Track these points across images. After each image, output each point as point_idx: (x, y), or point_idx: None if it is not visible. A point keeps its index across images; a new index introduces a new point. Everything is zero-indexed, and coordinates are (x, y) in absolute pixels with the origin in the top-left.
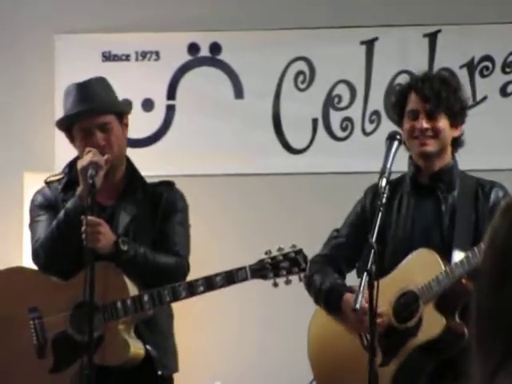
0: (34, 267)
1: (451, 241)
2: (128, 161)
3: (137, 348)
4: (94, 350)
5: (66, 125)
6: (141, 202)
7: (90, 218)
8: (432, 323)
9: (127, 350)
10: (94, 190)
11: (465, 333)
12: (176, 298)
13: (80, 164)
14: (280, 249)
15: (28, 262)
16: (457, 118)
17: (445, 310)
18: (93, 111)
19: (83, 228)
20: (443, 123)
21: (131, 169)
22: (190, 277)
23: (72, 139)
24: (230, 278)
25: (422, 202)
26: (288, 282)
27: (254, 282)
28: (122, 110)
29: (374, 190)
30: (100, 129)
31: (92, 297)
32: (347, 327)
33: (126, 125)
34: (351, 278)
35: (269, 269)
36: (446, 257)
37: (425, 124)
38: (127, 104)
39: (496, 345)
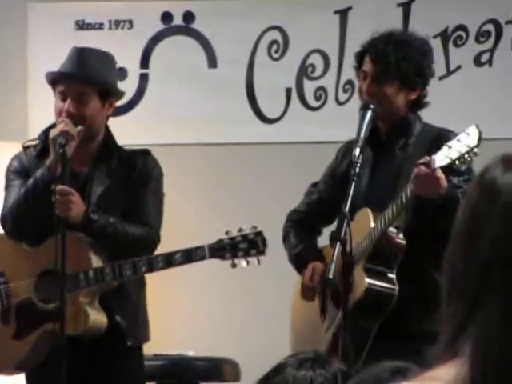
0: (1, 232)
1: (396, 193)
2: (107, 130)
3: (98, 317)
4: (55, 319)
5: (53, 81)
6: (115, 170)
7: (61, 187)
8: (358, 284)
9: (86, 319)
10: (65, 160)
11: (393, 289)
12: (135, 272)
13: (52, 133)
14: (240, 229)
15: None
16: (410, 82)
17: (375, 269)
18: (76, 76)
19: (54, 197)
20: (391, 89)
21: (108, 138)
22: (162, 245)
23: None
24: (189, 256)
25: (378, 159)
26: (247, 263)
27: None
28: (106, 89)
29: (345, 148)
30: (76, 97)
31: (64, 265)
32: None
33: (111, 106)
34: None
35: (227, 249)
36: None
37: (369, 87)
38: (119, 90)
39: (459, 305)
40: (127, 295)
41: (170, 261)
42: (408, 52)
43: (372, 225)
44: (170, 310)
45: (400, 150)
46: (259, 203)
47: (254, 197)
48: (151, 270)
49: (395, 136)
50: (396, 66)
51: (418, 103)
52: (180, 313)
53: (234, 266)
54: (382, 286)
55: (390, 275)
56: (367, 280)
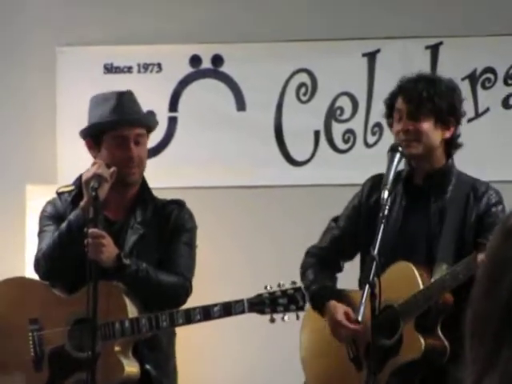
0: (37, 278)
1: (435, 249)
2: (143, 178)
3: (131, 368)
4: (88, 368)
5: (100, 130)
6: (149, 221)
7: (93, 229)
8: (412, 345)
9: (121, 371)
10: (97, 203)
11: (446, 347)
12: (172, 324)
13: (84, 176)
14: (280, 285)
15: (31, 276)
16: (444, 118)
17: (425, 328)
18: (133, 121)
19: (86, 240)
20: (427, 125)
21: (144, 186)
22: (193, 294)
23: (94, 147)
24: (228, 309)
25: (413, 204)
26: (284, 319)
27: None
28: (154, 126)
29: (371, 183)
30: (135, 140)
31: (95, 312)
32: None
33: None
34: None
35: (266, 304)
36: (429, 266)
37: (405, 125)
38: (157, 122)
39: (482, 347)
40: (158, 343)
41: (208, 314)
42: (439, 88)
43: (421, 285)
44: (197, 362)
45: (436, 200)
46: (289, 246)
47: (283, 240)
48: (189, 322)
49: (433, 183)
50: (429, 102)
51: (452, 143)
52: (207, 365)
53: (272, 320)
54: (435, 345)
55: (438, 332)
56: (423, 343)
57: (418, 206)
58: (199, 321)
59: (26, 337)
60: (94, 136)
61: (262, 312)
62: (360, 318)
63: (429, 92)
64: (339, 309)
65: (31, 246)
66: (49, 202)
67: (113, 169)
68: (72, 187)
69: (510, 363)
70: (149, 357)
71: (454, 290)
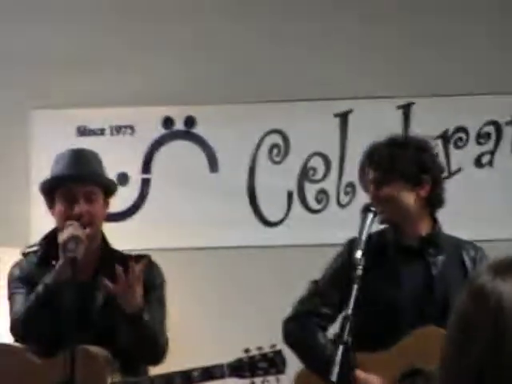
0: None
1: (446, 310)
2: (102, 235)
3: None
4: None
5: (51, 187)
6: (115, 278)
7: (134, 268)
8: None
9: None
10: (76, 264)
11: None
12: None
13: (61, 237)
14: (259, 348)
15: (2, 338)
16: (414, 179)
17: None
18: (83, 177)
19: (122, 278)
20: (393, 189)
21: (105, 243)
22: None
23: (51, 204)
24: (207, 374)
25: (408, 266)
26: (264, 382)
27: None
28: (109, 186)
29: (353, 245)
30: (85, 197)
31: (73, 378)
32: None
33: (108, 204)
34: None
35: (246, 368)
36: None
37: (373, 193)
38: (114, 183)
39: None
40: None
41: (188, 378)
42: (403, 151)
43: None
44: None
45: (434, 261)
46: (263, 306)
47: (256, 300)
48: None
49: (427, 246)
50: (393, 167)
51: (433, 201)
52: None
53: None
54: None
55: None
56: None
57: (414, 269)
58: None
59: None
60: (47, 193)
61: (241, 376)
62: (334, 379)
63: (391, 157)
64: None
65: (2, 309)
66: (15, 265)
67: (88, 230)
68: (36, 247)
69: None
70: None
71: None
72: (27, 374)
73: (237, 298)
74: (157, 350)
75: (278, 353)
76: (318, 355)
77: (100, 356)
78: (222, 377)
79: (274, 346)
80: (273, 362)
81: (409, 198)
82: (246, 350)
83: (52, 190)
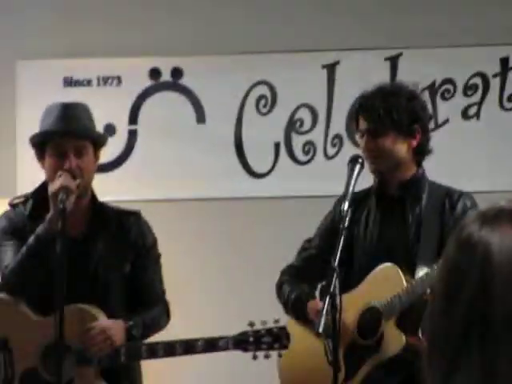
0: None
1: (415, 255)
2: (91, 190)
3: None
4: None
5: (41, 141)
6: (110, 235)
7: (94, 328)
8: (392, 341)
9: None
10: (65, 215)
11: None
12: (152, 356)
13: (51, 188)
14: (263, 322)
15: None
16: (407, 129)
17: (406, 327)
18: (73, 132)
19: (91, 337)
20: (388, 140)
21: (94, 198)
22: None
23: (41, 157)
24: (211, 345)
25: (388, 214)
26: (267, 357)
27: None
28: (99, 140)
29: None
30: (75, 152)
31: (62, 336)
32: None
33: (98, 157)
34: None
35: (251, 342)
36: (410, 272)
37: (367, 144)
38: (104, 136)
39: (443, 358)
40: (129, 372)
41: (190, 348)
42: (397, 101)
43: (405, 284)
44: None
45: (412, 208)
46: (249, 257)
47: (243, 251)
48: (170, 355)
49: (406, 192)
50: (388, 118)
51: (421, 150)
52: None
53: (255, 357)
54: (415, 345)
55: (419, 332)
56: (404, 338)
57: (393, 216)
58: (180, 354)
59: None
60: (38, 147)
61: (245, 350)
62: (321, 330)
63: (386, 108)
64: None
65: None
66: (3, 216)
67: (78, 180)
68: (23, 198)
69: (470, 378)
70: (125, 376)
71: None
72: (21, 327)
73: (225, 249)
74: (164, 322)
75: (283, 328)
76: (287, 301)
77: (95, 314)
78: (225, 349)
79: (277, 321)
80: (278, 338)
81: (402, 149)
82: (251, 324)
83: (42, 143)
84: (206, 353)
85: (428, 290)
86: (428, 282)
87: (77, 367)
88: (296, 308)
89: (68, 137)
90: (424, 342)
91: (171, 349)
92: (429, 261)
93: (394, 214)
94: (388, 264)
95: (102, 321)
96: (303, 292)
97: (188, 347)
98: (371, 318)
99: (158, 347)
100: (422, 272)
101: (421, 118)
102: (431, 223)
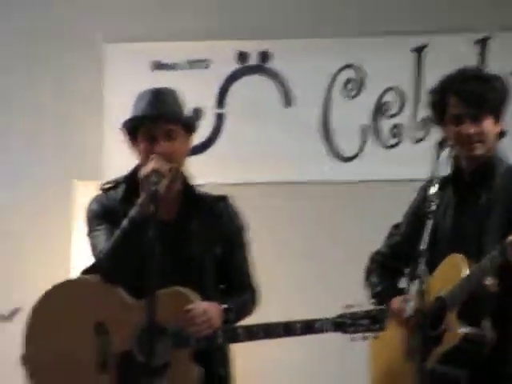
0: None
1: (485, 244)
2: (184, 176)
3: (199, 373)
4: (160, 376)
5: (132, 127)
6: (201, 220)
7: (193, 309)
8: (452, 332)
9: (193, 378)
10: (157, 198)
11: (484, 337)
12: (250, 338)
13: (143, 171)
14: (360, 305)
15: (75, 273)
16: (500, 114)
17: (468, 317)
18: (161, 116)
19: (192, 317)
20: (488, 125)
21: (186, 182)
22: None
23: (135, 143)
24: (309, 327)
25: (463, 202)
26: (366, 338)
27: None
28: (189, 124)
29: (427, 186)
30: (165, 136)
31: (153, 320)
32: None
33: (190, 142)
34: None
35: (349, 324)
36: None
37: (471, 129)
38: (194, 120)
39: None
40: (226, 354)
41: (289, 330)
42: (492, 84)
43: (467, 272)
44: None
45: (485, 193)
46: (336, 242)
47: (330, 235)
48: (268, 337)
49: (479, 178)
50: (488, 101)
51: (502, 134)
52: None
53: (353, 339)
54: (476, 335)
55: (484, 322)
56: (462, 329)
57: (468, 203)
58: (280, 336)
59: (91, 340)
60: (130, 131)
61: (344, 331)
62: (409, 314)
63: (485, 91)
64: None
65: (78, 242)
66: (95, 200)
67: (171, 164)
68: (114, 183)
69: None
70: (218, 360)
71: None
72: (118, 311)
73: (312, 233)
74: (252, 308)
75: (382, 310)
76: (372, 292)
77: (189, 296)
78: (322, 331)
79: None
80: (377, 319)
81: (495, 133)
82: (348, 306)
83: (134, 128)
84: (304, 335)
85: (491, 280)
86: (484, 269)
87: (173, 350)
88: (379, 301)
89: (158, 121)
90: (483, 335)
91: (270, 330)
92: (495, 246)
93: (469, 200)
94: (455, 254)
95: (202, 303)
96: (387, 287)
97: (287, 329)
98: (439, 308)
99: (256, 330)
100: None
101: (505, 103)
102: (501, 207)
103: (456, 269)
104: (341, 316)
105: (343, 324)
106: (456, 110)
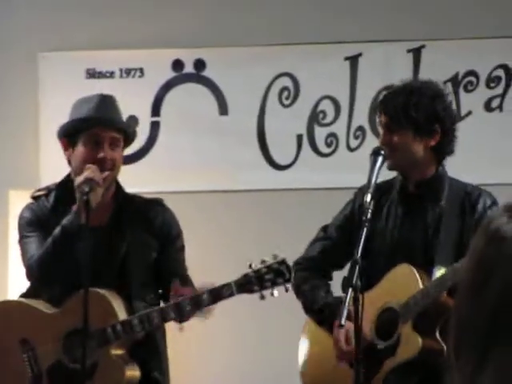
0: (17, 298)
1: (433, 255)
2: (116, 181)
3: (132, 372)
4: (90, 377)
5: (76, 129)
6: (135, 225)
7: None
8: (409, 344)
9: (122, 375)
10: (89, 208)
11: (443, 350)
12: (164, 319)
13: (77, 180)
14: (263, 261)
15: (13, 277)
16: (424, 129)
17: (423, 329)
18: (112, 122)
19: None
20: (403, 137)
21: (120, 189)
22: None
23: (70, 147)
24: (216, 295)
25: (409, 212)
26: (273, 294)
27: (240, 297)
28: (130, 135)
29: (363, 192)
30: (110, 143)
31: (86, 321)
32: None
33: (123, 151)
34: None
35: (254, 282)
36: (428, 272)
37: (383, 138)
38: (135, 133)
39: (471, 349)
40: (157, 347)
41: (197, 303)
42: (419, 99)
43: (421, 286)
44: (187, 358)
45: (432, 208)
46: (270, 249)
47: (265, 242)
48: (180, 315)
49: (426, 191)
50: (404, 114)
51: (441, 150)
52: (197, 360)
53: (262, 297)
54: (432, 346)
55: (436, 334)
56: (420, 341)
57: (414, 214)
58: (190, 311)
59: (20, 358)
60: (69, 135)
61: (251, 291)
62: (343, 322)
63: (406, 104)
64: (341, 334)
65: (15, 252)
66: (26, 208)
67: (106, 173)
68: (45, 191)
69: (497, 375)
70: (154, 364)
71: (453, 294)
72: (39, 324)
73: (245, 240)
74: None
75: (283, 262)
76: (311, 306)
77: (105, 295)
78: (230, 295)
79: (275, 256)
80: (279, 272)
81: (418, 147)
82: (251, 265)
83: (75, 132)
84: (214, 304)
85: (444, 292)
86: (445, 284)
87: (98, 350)
88: (321, 322)
89: (105, 126)
90: (441, 343)
91: (180, 308)
92: (447, 261)
93: (414, 212)
94: (405, 265)
95: None
96: (327, 303)
97: (195, 302)
98: (388, 319)
99: (167, 310)
100: (439, 273)
101: (442, 118)
102: (451, 223)
103: (407, 279)
104: (244, 277)
105: (248, 283)
106: (379, 118)
